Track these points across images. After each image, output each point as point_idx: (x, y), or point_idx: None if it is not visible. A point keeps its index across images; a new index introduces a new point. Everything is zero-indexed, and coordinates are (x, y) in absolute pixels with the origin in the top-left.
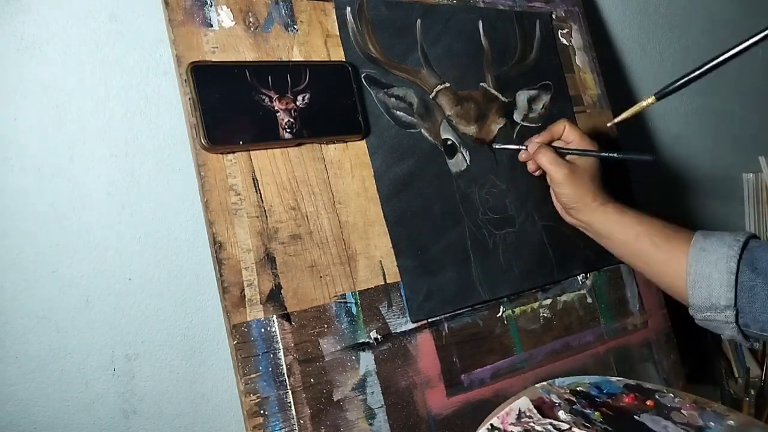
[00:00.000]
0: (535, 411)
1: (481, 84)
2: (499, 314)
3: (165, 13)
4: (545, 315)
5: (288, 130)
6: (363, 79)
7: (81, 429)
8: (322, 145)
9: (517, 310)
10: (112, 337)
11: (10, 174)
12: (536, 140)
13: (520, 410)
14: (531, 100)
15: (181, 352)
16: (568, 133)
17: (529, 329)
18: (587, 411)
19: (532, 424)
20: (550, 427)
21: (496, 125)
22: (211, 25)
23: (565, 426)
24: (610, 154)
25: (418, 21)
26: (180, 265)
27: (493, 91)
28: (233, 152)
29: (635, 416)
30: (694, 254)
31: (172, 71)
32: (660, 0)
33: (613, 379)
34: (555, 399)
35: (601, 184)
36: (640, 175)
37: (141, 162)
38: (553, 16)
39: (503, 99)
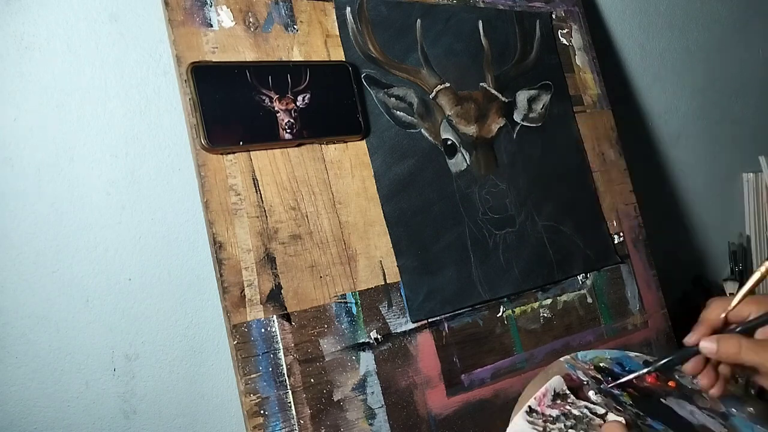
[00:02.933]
0: (569, 392)
1: (481, 84)
2: (500, 314)
3: (165, 13)
4: (545, 315)
5: (288, 131)
6: (363, 79)
7: (81, 429)
8: (322, 146)
9: (517, 310)
10: (112, 337)
11: (10, 174)
12: (696, 337)
13: (555, 391)
14: (531, 100)
15: (181, 352)
16: (722, 311)
17: (529, 329)
18: (616, 393)
19: (568, 408)
20: (586, 411)
21: (496, 125)
22: (211, 25)
23: (601, 410)
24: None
25: (418, 21)
26: (180, 265)
27: (493, 91)
28: (233, 152)
29: (661, 399)
30: None
31: (172, 71)
32: (660, 0)
33: (632, 354)
34: (582, 376)
35: None
36: (641, 175)
37: (141, 162)
38: (553, 16)
39: (503, 99)
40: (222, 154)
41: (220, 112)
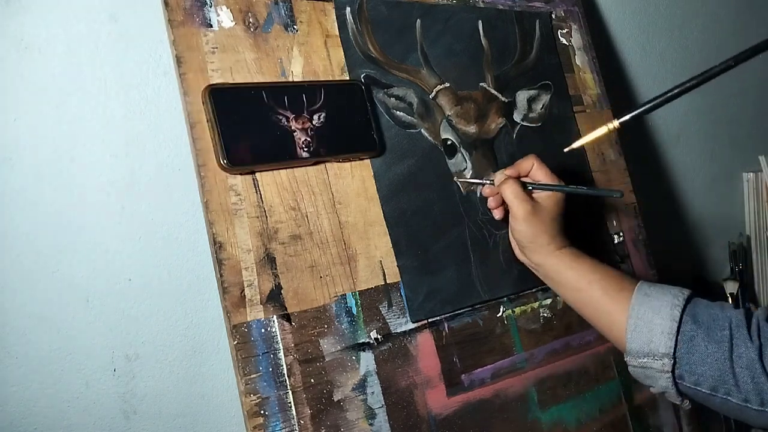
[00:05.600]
0: None
1: (480, 84)
2: (499, 314)
3: (165, 14)
4: (545, 315)
5: (305, 149)
6: (363, 79)
7: (81, 429)
8: (338, 163)
9: (517, 310)
10: (112, 338)
11: (10, 174)
12: (503, 173)
13: None
14: (531, 100)
15: (181, 352)
16: (536, 171)
17: (529, 329)
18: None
19: None
20: None
21: (496, 125)
22: (211, 26)
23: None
24: (579, 188)
25: (418, 21)
26: (180, 266)
27: (493, 91)
28: (253, 172)
29: None
30: (638, 299)
31: (172, 71)
32: (660, 0)
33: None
34: None
35: (561, 228)
36: (641, 175)
37: (141, 162)
38: (553, 16)
39: (503, 99)
40: (242, 174)
41: (239, 132)
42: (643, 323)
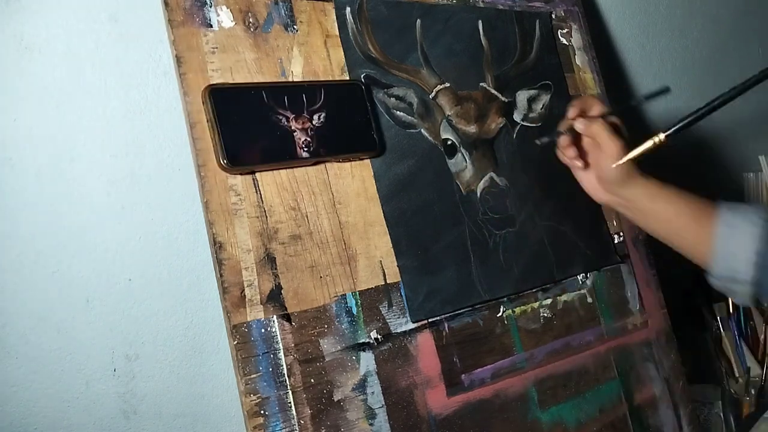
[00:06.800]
0: None
1: (480, 84)
2: (500, 314)
3: (165, 14)
4: (545, 315)
5: (305, 149)
6: (363, 79)
7: (81, 429)
8: (338, 163)
9: (518, 310)
10: (112, 338)
11: (10, 174)
12: (572, 114)
13: None
14: (531, 100)
15: (181, 352)
16: (595, 105)
17: (529, 329)
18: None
19: None
20: None
21: (496, 125)
22: (211, 26)
23: None
24: (642, 101)
25: (418, 21)
26: (180, 266)
27: (493, 91)
28: (254, 172)
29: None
30: (722, 230)
31: (172, 71)
32: (660, 0)
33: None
34: None
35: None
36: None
37: (141, 162)
38: (553, 16)
39: (503, 99)
40: (242, 174)
41: (239, 132)
42: (727, 254)
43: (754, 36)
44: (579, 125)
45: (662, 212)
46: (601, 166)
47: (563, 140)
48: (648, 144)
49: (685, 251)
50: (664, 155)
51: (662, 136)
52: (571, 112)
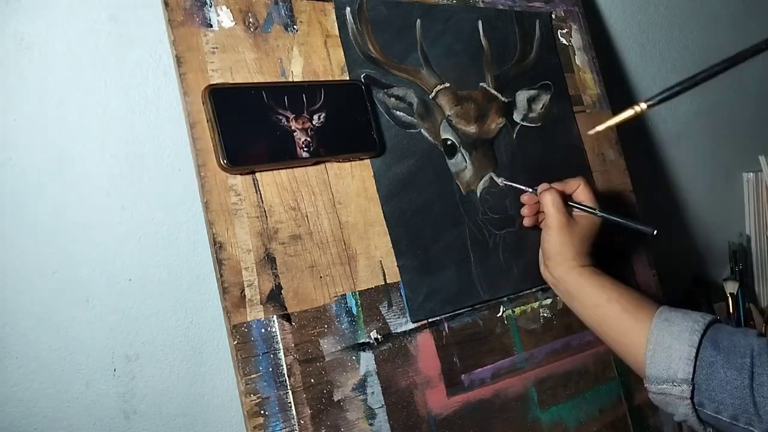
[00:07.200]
0: None
1: (480, 84)
2: (500, 314)
3: (165, 14)
4: (545, 315)
5: (305, 149)
6: (363, 79)
7: (81, 429)
8: (338, 163)
9: (517, 310)
10: (112, 338)
11: (10, 174)
12: (554, 185)
13: None
14: (531, 100)
15: (181, 352)
16: (581, 191)
17: (529, 329)
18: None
19: None
20: None
21: (496, 125)
22: (211, 26)
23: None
24: (612, 217)
25: (418, 21)
26: (180, 266)
27: (493, 91)
28: (253, 172)
29: None
30: (658, 324)
31: (172, 71)
32: (660, 0)
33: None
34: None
35: (589, 250)
36: (641, 175)
37: (141, 162)
38: (553, 16)
39: (503, 99)
40: (242, 174)
41: (239, 132)
42: (662, 348)
43: (754, 36)
44: (540, 188)
45: (591, 299)
46: (543, 235)
47: (525, 196)
48: (628, 113)
49: (615, 346)
50: (664, 156)
51: (644, 105)
52: (556, 183)
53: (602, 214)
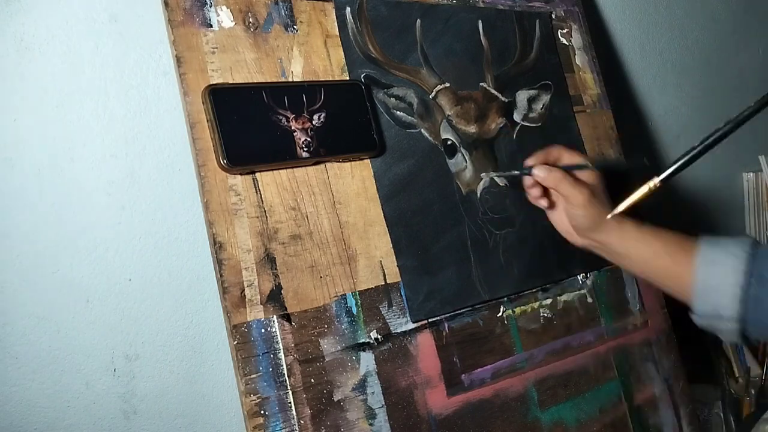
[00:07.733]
0: None
1: (480, 84)
2: (500, 314)
3: (165, 14)
4: (545, 315)
5: (305, 149)
6: (363, 79)
7: (81, 429)
8: (338, 163)
9: (518, 310)
10: (112, 338)
11: (10, 174)
12: (533, 162)
13: None
14: (531, 100)
15: (181, 352)
16: (566, 156)
17: (529, 329)
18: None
19: None
20: None
21: (496, 125)
22: (211, 26)
23: None
24: (608, 163)
25: (418, 21)
26: (180, 266)
27: (493, 91)
28: (253, 172)
29: None
30: (702, 267)
31: (172, 71)
32: (660, 0)
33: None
34: None
35: (610, 200)
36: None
37: (141, 162)
38: (553, 16)
39: (503, 99)
40: (242, 174)
41: (239, 132)
42: (709, 290)
43: (754, 36)
44: (538, 173)
45: (638, 254)
46: (571, 214)
47: (527, 180)
48: (643, 190)
49: (668, 291)
50: (664, 156)
51: (657, 180)
52: (531, 159)
53: (599, 165)
